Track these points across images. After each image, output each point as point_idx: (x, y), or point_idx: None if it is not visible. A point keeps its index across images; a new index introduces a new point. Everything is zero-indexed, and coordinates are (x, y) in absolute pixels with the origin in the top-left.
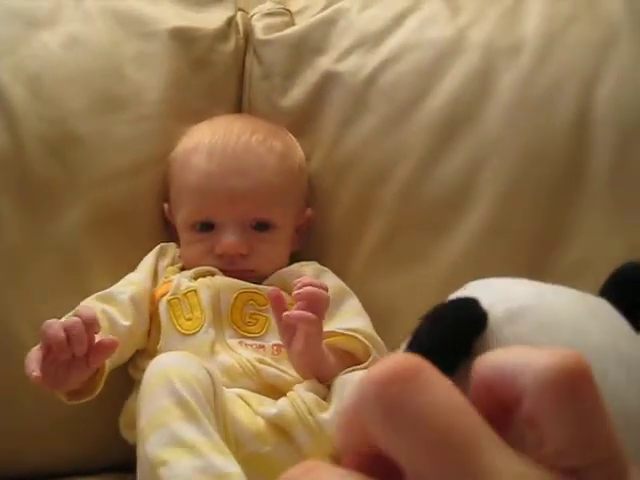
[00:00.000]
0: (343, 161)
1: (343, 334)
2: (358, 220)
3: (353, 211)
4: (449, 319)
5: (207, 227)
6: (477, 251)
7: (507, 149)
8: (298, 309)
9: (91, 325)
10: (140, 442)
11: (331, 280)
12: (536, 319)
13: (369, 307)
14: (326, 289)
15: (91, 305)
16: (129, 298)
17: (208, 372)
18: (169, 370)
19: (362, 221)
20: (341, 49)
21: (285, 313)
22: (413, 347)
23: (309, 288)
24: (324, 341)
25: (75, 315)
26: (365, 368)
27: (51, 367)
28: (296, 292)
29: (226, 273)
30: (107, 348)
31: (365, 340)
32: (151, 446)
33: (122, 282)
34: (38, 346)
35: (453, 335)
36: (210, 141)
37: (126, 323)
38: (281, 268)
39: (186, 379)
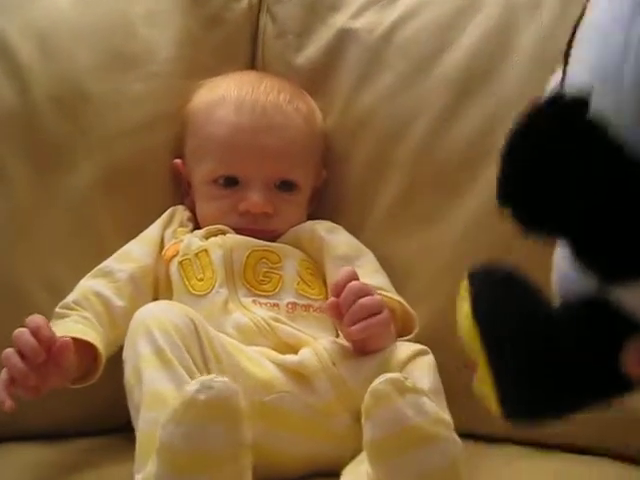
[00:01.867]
0: (359, 119)
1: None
2: (374, 179)
3: (369, 170)
4: None
5: (231, 182)
6: (494, 210)
7: (525, 106)
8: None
9: (38, 329)
10: (128, 394)
11: (345, 237)
12: None
13: (384, 267)
14: (354, 277)
15: (85, 285)
16: (128, 277)
17: (192, 319)
18: (149, 319)
19: (378, 180)
20: (356, 5)
21: (350, 333)
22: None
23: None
24: None
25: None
26: (409, 340)
27: (24, 382)
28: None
29: (241, 231)
30: (64, 349)
31: (405, 304)
32: (132, 400)
33: (124, 255)
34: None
35: None
36: (239, 95)
37: (121, 303)
38: None
39: (164, 327)
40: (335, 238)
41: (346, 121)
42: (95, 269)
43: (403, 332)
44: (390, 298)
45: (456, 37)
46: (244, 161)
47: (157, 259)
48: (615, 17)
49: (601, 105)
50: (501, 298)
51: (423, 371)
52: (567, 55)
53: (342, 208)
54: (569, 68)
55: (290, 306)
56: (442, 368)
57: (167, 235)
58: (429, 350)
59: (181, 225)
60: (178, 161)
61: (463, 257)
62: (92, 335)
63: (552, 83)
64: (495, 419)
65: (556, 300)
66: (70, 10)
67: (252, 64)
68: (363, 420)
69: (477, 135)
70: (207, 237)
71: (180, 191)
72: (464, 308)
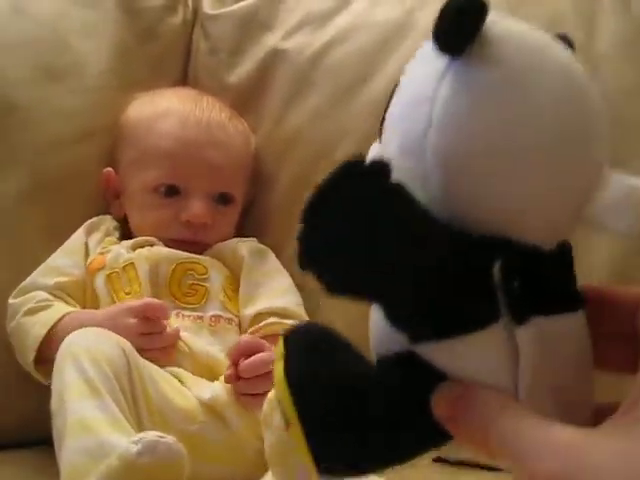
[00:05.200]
0: (286, 139)
1: (275, 323)
2: (298, 199)
3: (293, 190)
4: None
5: (172, 191)
6: None
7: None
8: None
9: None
10: (52, 421)
11: (265, 259)
12: (522, 27)
13: (304, 287)
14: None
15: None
16: (60, 291)
17: (123, 349)
18: (78, 348)
19: (301, 200)
20: (288, 27)
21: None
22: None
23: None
24: (260, 333)
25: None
26: None
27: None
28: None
29: (176, 243)
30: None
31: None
32: (56, 426)
33: (54, 269)
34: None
35: (459, 18)
36: (183, 110)
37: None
38: None
39: (94, 356)
40: (254, 260)
41: (274, 141)
42: (22, 285)
43: None
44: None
45: (383, 62)
46: (188, 172)
47: (84, 267)
48: (420, 86)
49: (408, 179)
50: (313, 358)
51: None
52: (382, 128)
53: (266, 226)
54: (383, 141)
55: (213, 319)
56: None
57: (92, 242)
58: None
59: (107, 234)
60: (110, 170)
61: None
62: None
63: (369, 157)
64: None
65: (374, 355)
66: (3, 21)
67: (184, 80)
68: (262, 430)
69: None
70: (134, 248)
71: (106, 202)
72: (278, 369)
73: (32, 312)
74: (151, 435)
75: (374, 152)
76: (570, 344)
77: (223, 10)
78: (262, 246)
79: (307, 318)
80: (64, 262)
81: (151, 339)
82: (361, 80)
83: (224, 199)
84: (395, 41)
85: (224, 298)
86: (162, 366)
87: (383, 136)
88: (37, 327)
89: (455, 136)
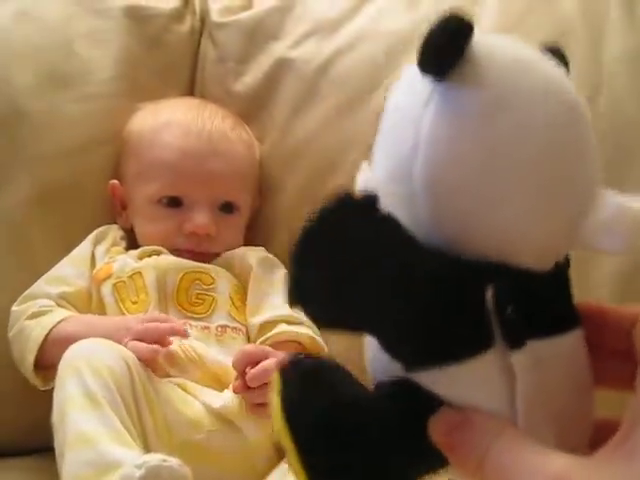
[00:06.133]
0: (292, 149)
1: (285, 331)
2: (304, 209)
3: (299, 199)
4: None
5: (175, 203)
6: None
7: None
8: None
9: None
10: (54, 434)
11: (273, 270)
12: (513, 49)
13: None
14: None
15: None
16: (64, 301)
17: (125, 360)
18: (80, 359)
19: (308, 210)
20: (296, 36)
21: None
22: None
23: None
24: (270, 341)
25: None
26: None
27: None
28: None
29: (182, 253)
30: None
31: (309, 331)
32: (57, 439)
33: (59, 278)
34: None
35: (442, 41)
36: (185, 120)
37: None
38: None
39: (96, 369)
40: (262, 269)
41: (280, 150)
42: (26, 293)
43: None
44: (297, 333)
45: (390, 72)
46: (190, 184)
47: (89, 278)
48: (406, 111)
49: (395, 203)
50: (307, 389)
51: None
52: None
53: (273, 235)
54: (372, 166)
55: (220, 329)
56: None
57: (99, 252)
58: None
59: (114, 244)
60: (115, 182)
61: None
62: None
63: (359, 181)
64: None
65: (371, 381)
66: (10, 28)
67: (191, 88)
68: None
69: None
70: (141, 258)
71: (113, 211)
72: (274, 401)
73: (34, 316)
74: (155, 459)
75: (363, 179)
76: (568, 365)
77: (231, 18)
78: (271, 256)
79: (313, 325)
80: (69, 272)
81: (150, 353)
82: (368, 90)
83: (228, 208)
84: (403, 51)
85: (231, 308)
86: (166, 377)
87: (372, 161)
88: (38, 330)
89: (441, 160)
